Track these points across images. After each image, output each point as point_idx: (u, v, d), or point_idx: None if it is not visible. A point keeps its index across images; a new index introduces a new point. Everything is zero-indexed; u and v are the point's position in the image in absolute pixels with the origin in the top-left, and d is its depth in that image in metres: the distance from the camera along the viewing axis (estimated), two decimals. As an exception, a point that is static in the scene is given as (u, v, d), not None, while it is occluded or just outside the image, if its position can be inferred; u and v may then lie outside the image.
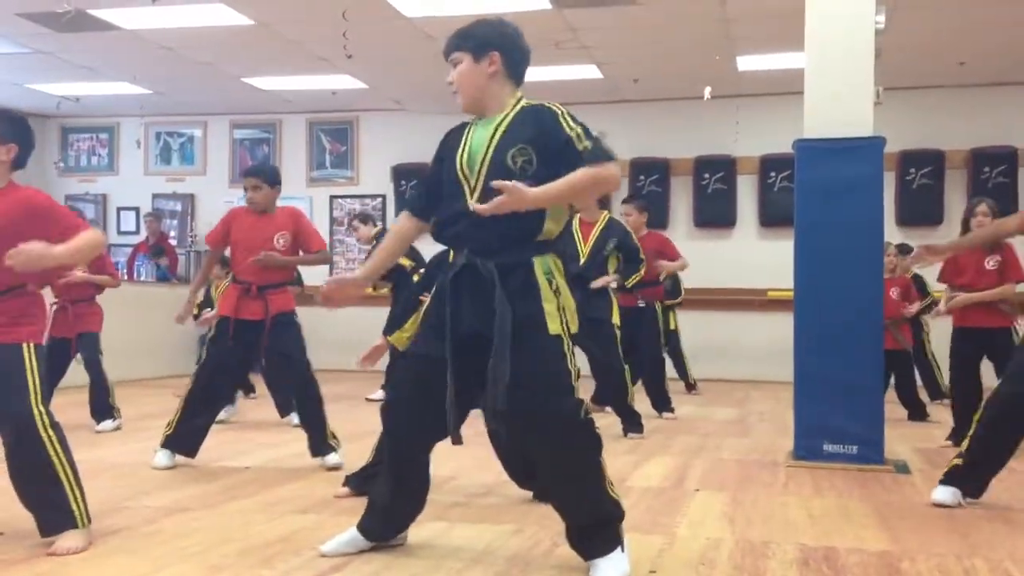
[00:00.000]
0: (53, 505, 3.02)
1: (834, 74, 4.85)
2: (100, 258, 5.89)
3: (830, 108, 4.83)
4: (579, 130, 2.69)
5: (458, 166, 2.77)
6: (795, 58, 6.69)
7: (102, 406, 5.89)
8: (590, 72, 9.43)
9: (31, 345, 3.07)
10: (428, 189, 2.94)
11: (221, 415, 6.21)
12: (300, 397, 4.74)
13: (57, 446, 3.01)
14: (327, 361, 6.64)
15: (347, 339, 7.40)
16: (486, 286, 2.66)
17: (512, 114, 2.78)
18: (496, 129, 2.75)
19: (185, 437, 4.55)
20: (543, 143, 2.69)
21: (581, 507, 2.74)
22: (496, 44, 2.79)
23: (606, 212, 6.15)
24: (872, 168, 4.76)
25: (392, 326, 3.81)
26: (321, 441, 4.55)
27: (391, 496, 2.95)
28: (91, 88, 10.50)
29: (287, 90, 10.47)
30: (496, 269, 2.66)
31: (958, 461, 3.85)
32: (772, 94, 9.65)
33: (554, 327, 2.67)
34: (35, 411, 2.99)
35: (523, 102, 2.82)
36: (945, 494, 3.82)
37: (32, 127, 3.30)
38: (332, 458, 4.51)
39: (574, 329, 2.74)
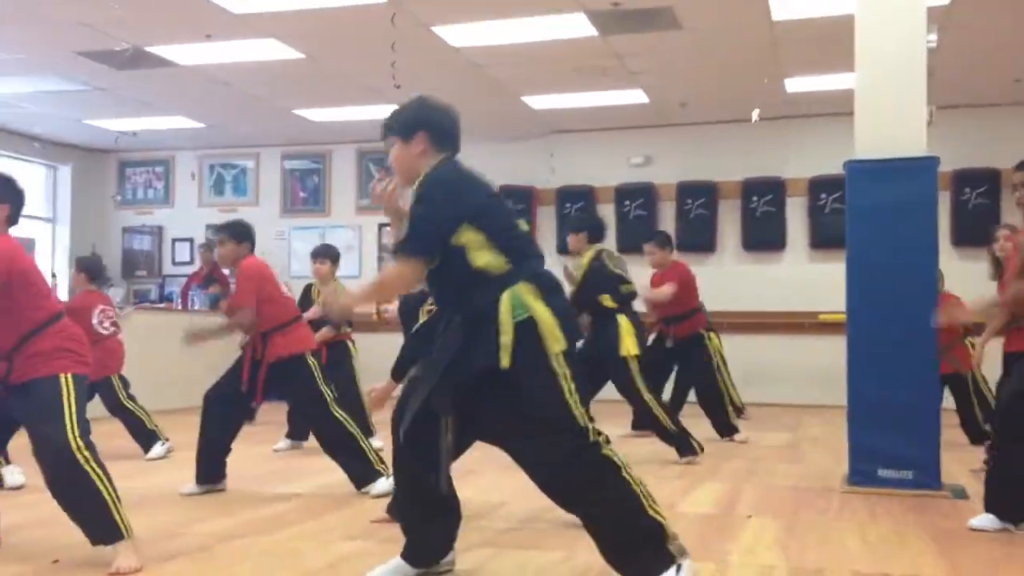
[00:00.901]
0: (101, 522, 3.14)
1: (886, 94, 4.79)
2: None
3: (882, 128, 4.77)
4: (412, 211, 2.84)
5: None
6: (844, 79, 6.65)
7: (142, 435, 6.00)
8: (637, 97, 9.44)
9: (69, 376, 3.22)
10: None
11: (280, 444, 6.31)
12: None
13: (97, 468, 3.13)
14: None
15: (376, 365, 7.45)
16: (452, 331, 2.74)
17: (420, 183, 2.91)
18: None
19: (205, 463, 4.68)
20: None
21: (611, 531, 2.69)
22: (421, 124, 2.94)
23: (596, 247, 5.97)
24: (926, 188, 4.69)
25: (400, 369, 3.84)
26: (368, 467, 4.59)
27: (422, 522, 2.99)
28: (147, 123, 10.77)
29: (337, 121, 10.63)
30: (464, 321, 2.71)
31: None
32: (821, 115, 9.56)
33: (505, 360, 2.63)
34: (72, 443, 3.11)
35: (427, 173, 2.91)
36: (986, 520, 3.74)
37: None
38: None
39: (557, 348, 2.67)
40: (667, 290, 6.61)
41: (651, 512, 2.67)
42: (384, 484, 4.51)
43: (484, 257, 2.74)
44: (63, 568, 3.16)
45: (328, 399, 4.65)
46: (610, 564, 2.73)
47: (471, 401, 2.71)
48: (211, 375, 4.78)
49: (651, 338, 6.73)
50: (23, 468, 4.68)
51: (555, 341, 2.67)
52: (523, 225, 2.92)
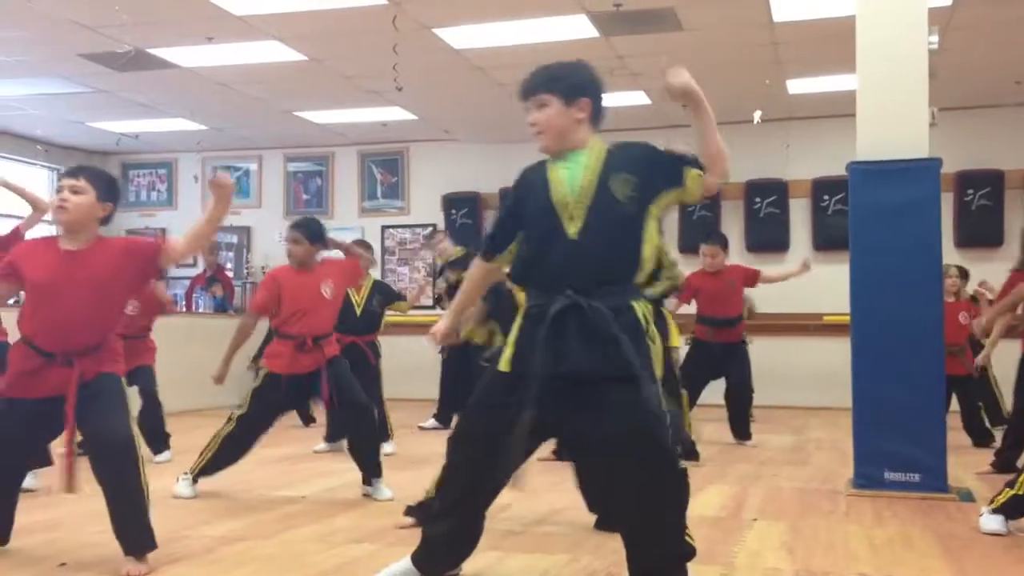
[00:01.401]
0: (143, 528, 3.19)
1: (888, 95, 4.79)
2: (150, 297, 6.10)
3: (884, 130, 4.77)
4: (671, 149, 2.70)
5: (554, 200, 2.67)
6: (846, 80, 6.64)
7: (158, 437, 5.99)
8: (639, 99, 9.43)
9: (123, 379, 3.34)
10: (501, 229, 2.86)
11: (320, 446, 6.34)
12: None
13: (143, 471, 3.20)
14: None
15: (392, 368, 7.44)
16: (591, 326, 2.54)
17: (602, 150, 2.73)
18: (590, 163, 2.69)
19: (211, 470, 4.65)
20: (645, 171, 2.66)
21: (659, 548, 2.63)
22: (588, 91, 2.74)
23: None
24: (929, 189, 4.69)
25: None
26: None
27: (447, 537, 2.86)
28: (150, 125, 10.77)
29: (339, 123, 10.64)
30: (605, 308, 2.55)
31: (1013, 492, 3.73)
32: (823, 117, 9.56)
33: (656, 372, 2.59)
34: (135, 438, 3.23)
35: (606, 144, 2.76)
36: (995, 523, 3.72)
37: (94, 164, 3.47)
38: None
39: (660, 372, 2.63)
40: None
41: (688, 535, 2.67)
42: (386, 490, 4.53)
43: (653, 244, 2.66)
44: (70, 571, 3.16)
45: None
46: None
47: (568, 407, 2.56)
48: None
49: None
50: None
51: (659, 364, 2.64)
52: None
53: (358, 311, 6.38)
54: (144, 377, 6.01)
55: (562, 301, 2.57)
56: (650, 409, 2.53)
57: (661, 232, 2.80)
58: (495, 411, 2.67)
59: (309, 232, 4.79)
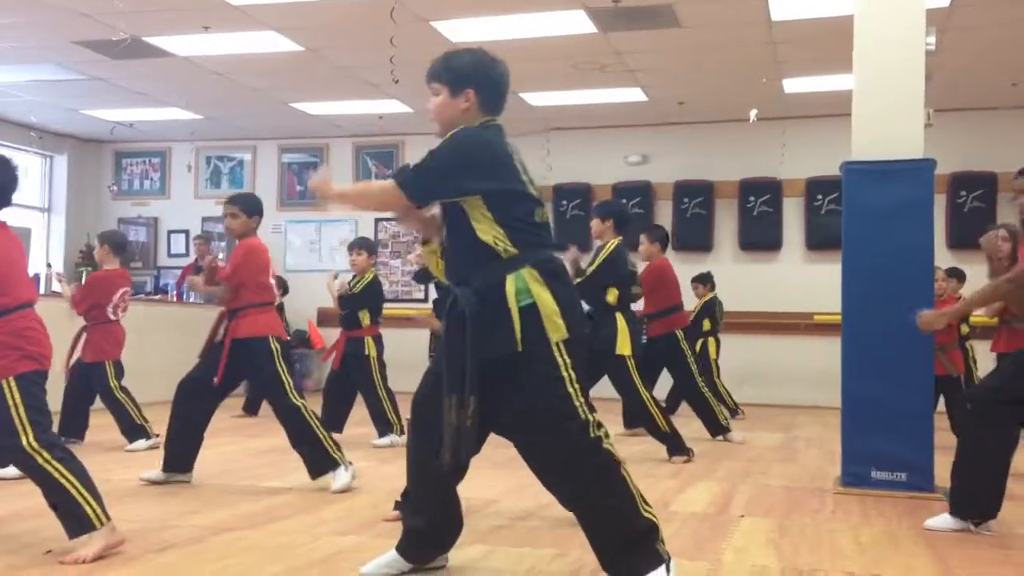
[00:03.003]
0: (72, 515, 3.14)
1: (884, 96, 4.79)
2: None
3: (879, 130, 4.77)
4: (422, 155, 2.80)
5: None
6: (842, 80, 6.65)
7: (128, 427, 5.97)
8: (635, 95, 9.44)
9: (11, 380, 3.13)
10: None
11: None
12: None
13: (58, 465, 3.11)
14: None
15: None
16: (466, 313, 2.65)
17: None
18: None
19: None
20: None
21: (607, 529, 2.67)
22: (472, 81, 2.82)
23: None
24: (922, 191, 4.69)
25: None
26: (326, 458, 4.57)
27: (427, 521, 2.93)
28: (144, 114, 10.74)
29: (335, 115, 10.62)
30: (472, 298, 2.65)
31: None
32: (818, 116, 9.57)
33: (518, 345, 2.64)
34: (26, 447, 3.10)
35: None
36: (940, 520, 3.78)
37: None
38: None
39: (557, 337, 2.65)
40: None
41: (644, 512, 2.67)
42: (344, 476, 4.50)
43: (489, 233, 2.71)
44: (55, 559, 3.15)
45: (287, 385, 4.59)
46: (603, 563, 2.72)
47: (484, 388, 2.64)
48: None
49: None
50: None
51: (556, 329, 2.65)
52: (542, 216, 2.83)
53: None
54: (97, 378, 5.98)
55: (451, 295, 2.75)
56: (537, 380, 2.63)
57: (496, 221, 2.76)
58: (431, 392, 2.79)
59: (245, 205, 4.79)
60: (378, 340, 6.51)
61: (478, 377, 2.61)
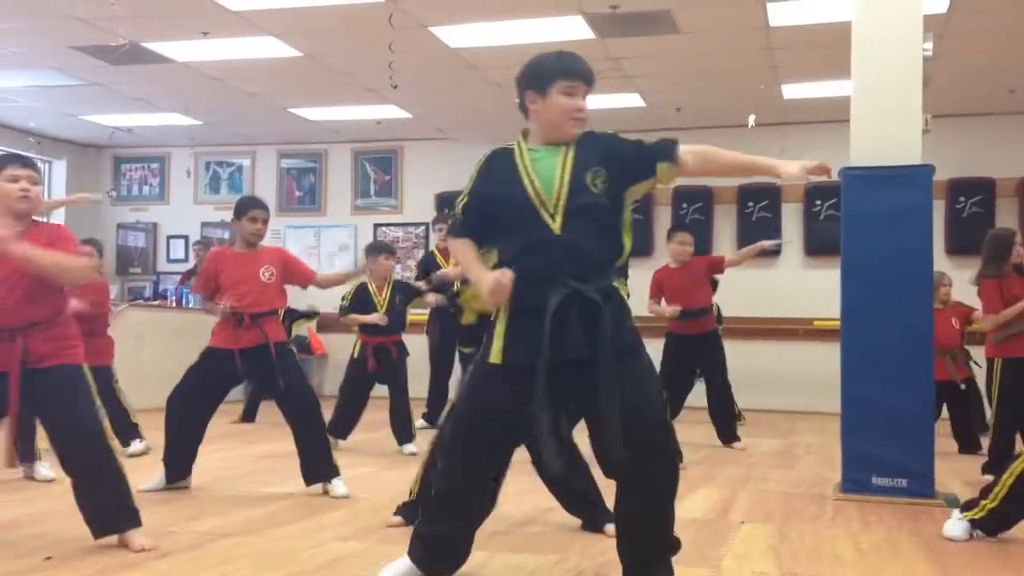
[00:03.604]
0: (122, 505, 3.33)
1: (882, 102, 4.80)
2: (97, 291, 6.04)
3: (877, 136, 4.78)
4: (635, 138, 2.75)
5: (531, 193, 2.68)
6: (840, 86, 6.65)
7: (126, 428, 5.95)
8: (633, 101, 9.45)
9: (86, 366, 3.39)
10: (482, 217, 2.79)
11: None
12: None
13: (117, 447, 3.35)
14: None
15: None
16: (587, 313, 2.57)
17: (578, 142, 2.76)
18: (566, 156, 2.72)
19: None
20: (614, 163, 2.70)
21: (657, 536, 2.69)
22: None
23: None
24: (921, 196, 4.70)
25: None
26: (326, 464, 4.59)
27: (450, 537, 2.84)
28: (143, 119, 10.74)
29: (334, 120, 10.62)
30: (600, 296, 2.59)
31: (990, 504, 3.72)
32: (817, 122, 9.58)
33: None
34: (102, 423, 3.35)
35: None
36: (958, 529, 3.75)
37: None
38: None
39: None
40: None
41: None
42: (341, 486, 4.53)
43: (628, 243, 2.75)
44: (55, 565, 3.15)
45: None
46: (634, 571, 2.70)
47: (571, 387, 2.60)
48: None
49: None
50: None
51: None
52: None
53: (381, 312, 6.28)
54: (101, 378, 5.97)
55: (560, 292, 2.58)
56: (651, 379, 2.67)
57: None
58: (496, 410, 2.69)
59: (268, 211, 4.91)
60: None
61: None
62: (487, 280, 2.66)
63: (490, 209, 2.76)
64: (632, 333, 2.67)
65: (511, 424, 2.67)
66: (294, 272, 4.86)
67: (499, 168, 2.77)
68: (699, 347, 6.60)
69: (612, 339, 2.56)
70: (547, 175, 2.69)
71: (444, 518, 2.82)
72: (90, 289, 6.03)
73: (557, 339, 2.56)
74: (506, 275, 2.62)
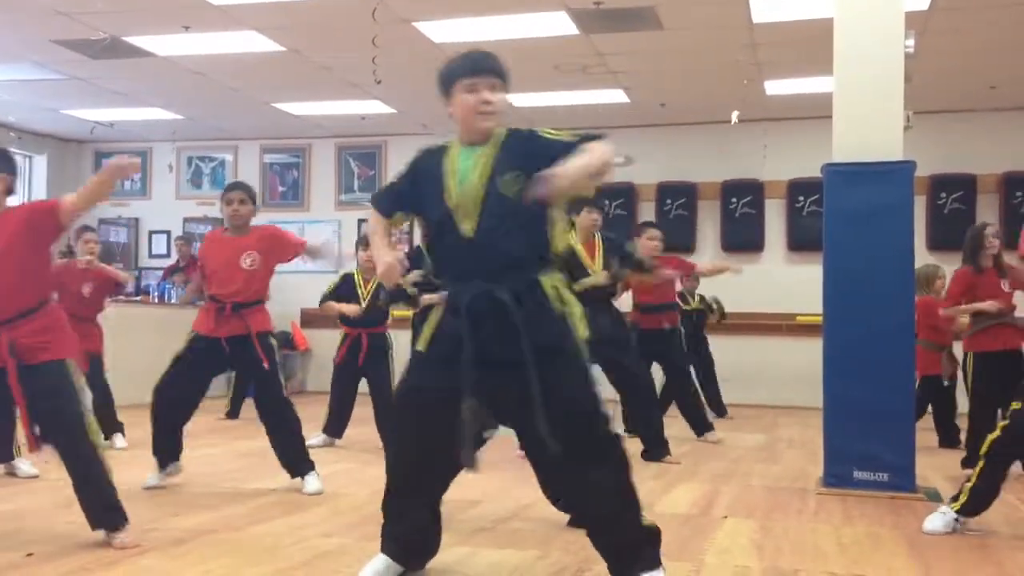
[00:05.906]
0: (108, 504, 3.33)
1: (863, 98, 4.82)
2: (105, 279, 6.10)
3: (859, 132, 4.80)
4: (564, 133, 2.73)
5: (447, 198, 2.73)
6: (823, 82, 6.67)
7: (110, 423, 5.93)
8: (617, 96, 9.45)
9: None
10: (398, 197, 2.97)
11: (313, 440, 5.97)
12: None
13: (101, 444, 3.35)
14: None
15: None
16: (501, 313, 2.61)
17: (502, 144, 2.77)
18: (485, 159, 2.74)
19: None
20: (533, 165, 2.60)
21: (621, 527, 2.68)
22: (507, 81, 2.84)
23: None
24: (902, 192, 4.73)
25: None
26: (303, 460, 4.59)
27: (415, 523, 2.89)
28: (124, 114, 10.66)
29: (317, 115, 10.58)
30: (509, 295, 2.62)
31: (971, 485, 3.78)
32: (800, 118, 9.62)
33: (581, 336, 2.69)
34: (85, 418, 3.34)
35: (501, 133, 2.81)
36: (939, 523, 3.79)
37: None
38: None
39: (584, 336, 2.72)
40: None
41: (644, 514, 2.72)
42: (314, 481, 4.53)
43: (555, 240, 2.76)
44: (37, 561, 3.13)
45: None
46: (613, 568, 2.71)
47: (496, 383, 2.63)
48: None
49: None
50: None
51: (584, 327, 2.72)
52: None
53: (363, 304, 6.21)
54: (92, 367, 5.94)
55: (470, 292, 2.65)
56: (576, 371, 2.66)
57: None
58: (424, 385, 2.77)
59: (251, 192, 4.85)
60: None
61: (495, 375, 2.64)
62: (383, 262, 2.82)
63: (415, 207, 2.91)
64: (558, 323, 2.66)
65: (440, 403, 2.66)
66: (279, 248, 4.77)
67: (424, 171, 2.86)
68: (660, 342, 6.61)
69: (534, 335, 2.59)
70: (465, 179, 2.73)
71: (404, 507, 2.88)
72: (95, 276, 6.00)
73: (476, 338, 2.62)
74: (401, 260, 2.78)
